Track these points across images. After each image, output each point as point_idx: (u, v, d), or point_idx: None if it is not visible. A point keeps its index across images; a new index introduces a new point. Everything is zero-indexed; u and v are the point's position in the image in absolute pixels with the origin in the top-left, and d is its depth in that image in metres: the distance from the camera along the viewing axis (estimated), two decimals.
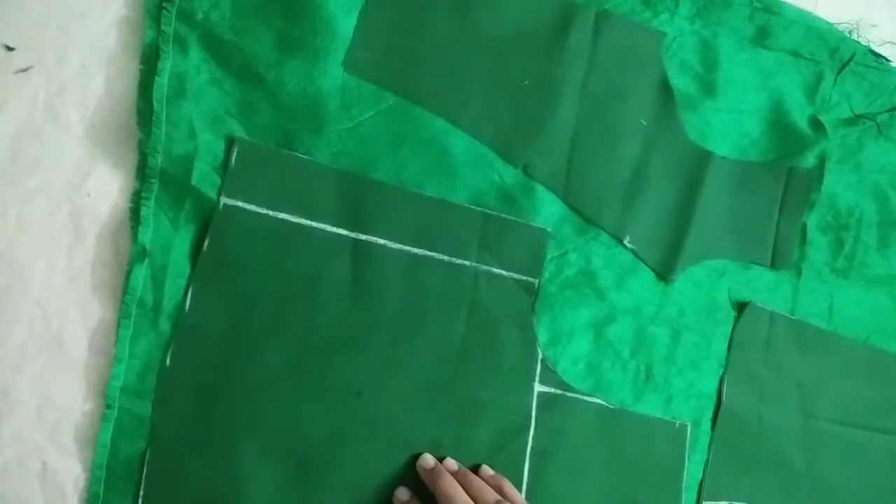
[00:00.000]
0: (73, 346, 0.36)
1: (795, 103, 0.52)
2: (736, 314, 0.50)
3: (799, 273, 0.53)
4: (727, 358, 0.50)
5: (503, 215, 0.43)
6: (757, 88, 0.51)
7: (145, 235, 0.37)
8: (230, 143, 0.38)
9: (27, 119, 0.36)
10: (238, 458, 0.38)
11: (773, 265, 0.52)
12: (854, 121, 0.54)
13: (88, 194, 0.37)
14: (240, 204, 0.38)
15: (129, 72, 0.37)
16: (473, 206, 0.43)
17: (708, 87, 0.49)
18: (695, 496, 0.48)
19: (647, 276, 0.47)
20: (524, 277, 0.43)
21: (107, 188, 0.37)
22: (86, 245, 0.37)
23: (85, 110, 0.37)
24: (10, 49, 0.36)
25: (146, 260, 0.37)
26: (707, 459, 0.49)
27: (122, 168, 0.37)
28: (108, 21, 0.37)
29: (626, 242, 0.47)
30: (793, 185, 0.52)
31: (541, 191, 0.44)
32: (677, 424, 0.47)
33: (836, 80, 0.53)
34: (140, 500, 0.36)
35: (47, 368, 0.36)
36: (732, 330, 0.50)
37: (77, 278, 0.37)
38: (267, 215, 0.39)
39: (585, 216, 0.46)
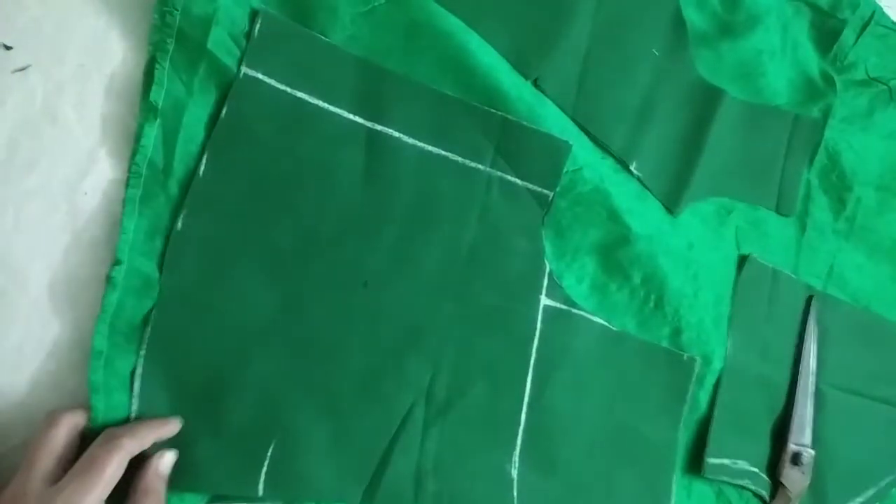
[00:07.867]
0: (71, 346, 0.36)
1: (810, 54, 0.52)
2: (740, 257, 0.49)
3: (803, 228, 0.52)
4: (730, 313, 0.48)
5: (525, 123, 0.42)
6: (774, 32, 0.50)
7: (158, 95, 0.36)
8: (254, 14, 0.37)
9: (25, 118, 0.36)
10: (240, 334, 0.37)
11: (778, 209, 0.51)
12: (867, 83, 0.54)
13: (86, 193, 0.36)
14: (260, 76, 0.37)
15: (128, 71, 0.37)
16: (494, 110, 0.42)
17: (725, 26, 0.49)
18: (692, 435, 0.47)
19: (657, 204, 0.47)
20: (539, 189, 0.43)
21: (104, 187, 0.37)
22: (82, 244, 0.36)
23: (83, 109, 0.36)
24: (7, 48, 0.35)
25: (157, 120, 0.36)
26: (711, 415, 0.47)
27: (120, 167, 0.37)
28: (106, 20, 0.37)
29: (632, 168, 0.46)
30: (798, 133, 0.52)
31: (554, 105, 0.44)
32: (685, 357, 0.46)
33: (857, 40, 0.53)
34: (141, 359, 0.35)
35: (45, 369, 0.35)
36: (734, 284, 0.49)
37: (73, 279, 0.36)
38: (285, 92, 0.38)
39: (593, 136, 0.45)
